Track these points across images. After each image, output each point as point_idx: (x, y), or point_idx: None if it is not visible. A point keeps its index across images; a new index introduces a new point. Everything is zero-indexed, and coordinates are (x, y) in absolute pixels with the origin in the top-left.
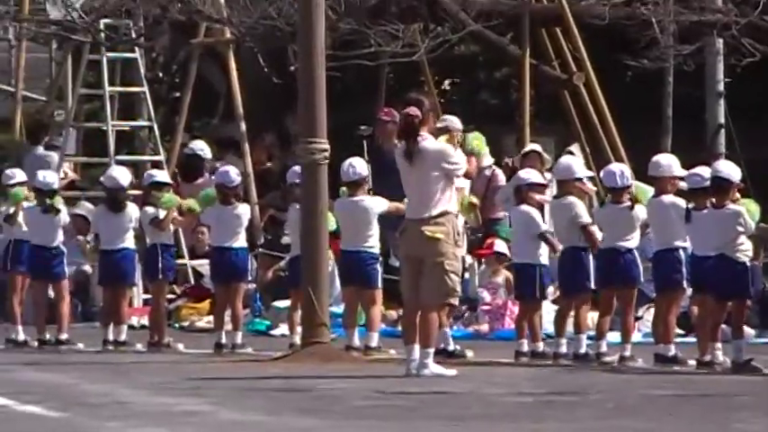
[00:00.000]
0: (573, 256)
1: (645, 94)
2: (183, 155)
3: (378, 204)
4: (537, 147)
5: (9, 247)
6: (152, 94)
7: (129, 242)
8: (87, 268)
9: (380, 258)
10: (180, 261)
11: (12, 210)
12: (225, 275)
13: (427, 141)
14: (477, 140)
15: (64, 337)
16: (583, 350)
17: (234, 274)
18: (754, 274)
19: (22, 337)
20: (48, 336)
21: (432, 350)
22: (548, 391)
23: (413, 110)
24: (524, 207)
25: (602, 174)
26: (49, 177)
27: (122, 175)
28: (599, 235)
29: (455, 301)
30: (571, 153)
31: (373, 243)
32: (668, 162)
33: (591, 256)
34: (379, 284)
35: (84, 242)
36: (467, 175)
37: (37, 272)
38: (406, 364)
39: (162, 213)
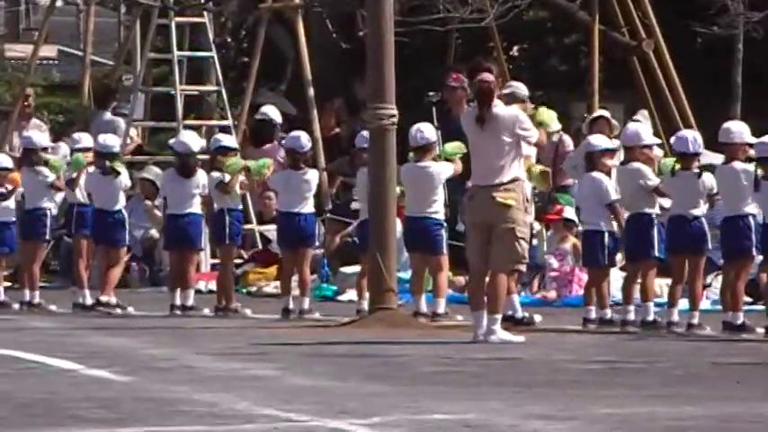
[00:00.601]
0: (638, 223)
1: (714, 61)
2: (254, 120)
3: (444, 170)
4: (605, 112)
5: (74, 212)
6: (220, 59)
7: (197, 207)
8: (154, 233)
9: (445, 224)
10: (247, 226)
11: (74, 175)
12: (292, 241)
13: (499, 107)
14: (546, 114)
15: (104, 299)
16: (650, 317)
17: (301, 239)
18: None
19: (89, 301)
20: (107, 297)
21: (499, 316)
22: (615, 358)
23: (488, 76)
24: (596, 174)
25: (673, 139)
26: (109, 140)
27: (193, 141)
28: (667, 203)
29: (523, 268)
30: (638, 120)
31: (438, 209)
32: (739, 129)
33: (658, 223)
34: (445, 250)
35: (151, 207)
36: (537, 145)
37: (99, 236)
38: (474, 330)
39: (227, 178)
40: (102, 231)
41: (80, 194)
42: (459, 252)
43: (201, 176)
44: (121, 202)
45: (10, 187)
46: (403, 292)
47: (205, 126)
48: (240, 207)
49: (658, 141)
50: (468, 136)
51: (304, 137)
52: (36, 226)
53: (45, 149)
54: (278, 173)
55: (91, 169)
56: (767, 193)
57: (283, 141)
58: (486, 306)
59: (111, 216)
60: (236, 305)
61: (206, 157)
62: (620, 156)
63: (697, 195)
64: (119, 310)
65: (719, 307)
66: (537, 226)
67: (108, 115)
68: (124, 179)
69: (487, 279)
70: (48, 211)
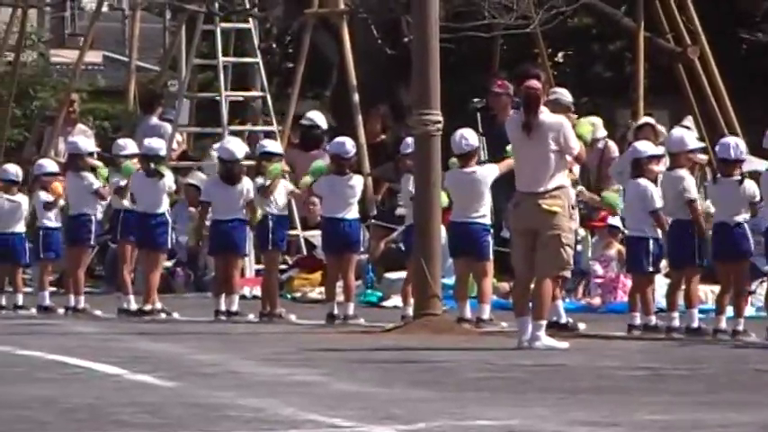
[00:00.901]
0: (682, 229)
1: (760, 66)
2: (302, 126)
3: (489, 173)
4: (651, 119)
5: (119, 218)
6: (265, 65)
7: (241, 213)
8: (189, 238)
9: (491, 230)
10: (292, 232)
11: (123, 182)
12: (337, 246)
13: (545, 114)
14: (584, 127)
15: (148, 308)
16: (695, 324)
17: (346, 244)
18: None
19: (134, 306)
20: (152, 306)
21: (544, 322)
22: (660, 364)
23: (535, 83)
24: (641, 180)
25: (717, 146)
26: (155, 143)
27: (237, 147)
28: (711, 210)
29: (568, 274)
30: (686, 127)
31: (484, 213)
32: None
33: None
34: (490, 256)
35: (196, 213)
36: (578, 159)
37: (142, 239)
38: (518, 336)
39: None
40: (144, 234)
41: (127, 202)
42: (504, 258)
43: (246, 183)
44: (165, 206)
45: (51, 198)
46: (447, 298)
47: (249, 132)
48: (285, 213)
49: (703, 146)
50: (513, 143)
51: (349, 143)
52: (81, 231)
53: (91, 155)
54: (322, 178)
55: (129, 165)
56: None
57: (327, 147)
58: (531, 312)
59: (154, 219)
60: (281, 311)
61: (251, 162)
62: (666, 162)
63: (739, 202)
64: (163, 315)
65: (764, 314)
66: (582, 232)
67: (154, 120)
68: (168, 182)
69: (532, 285)
70: (92, 217)
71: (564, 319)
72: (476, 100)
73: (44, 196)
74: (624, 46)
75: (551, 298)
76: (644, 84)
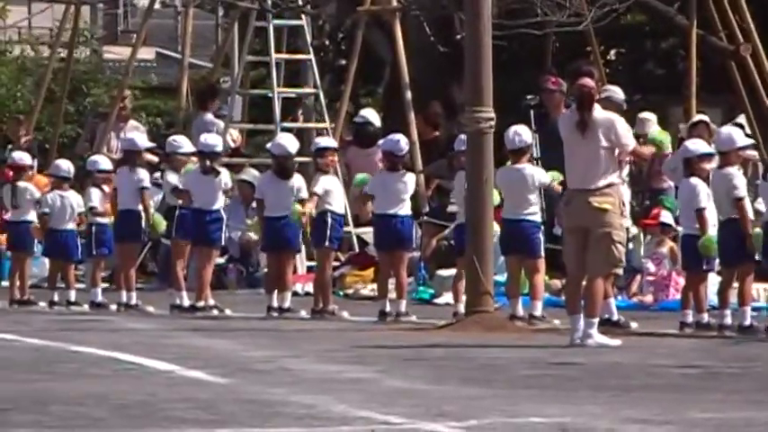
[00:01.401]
0: (733, 227)
1: None
2: (356, 123)
3: (541, 175)
4: (705, 117)
5: (174, 215)
6: (318, 62)
7: None
8: (252, 234)
9: (542, 227)
10: (345, 228)
11: (179, 181)
12: (389, 243)
13: (598, 112)
14: (663, 134)
15: (200, 304)
16: (747, 322)
17: (398, 242)
18: None
19: (186, 302)
20: (204, 302)
21: (596, 320)
22: (712, 362)
23: (588, 81)
24: (693, 179)
25: None
26: (211, 139)
27: (290, 143)
28: (762, 208)
29: (620, 271)
30: (739, 125)
31: (535, 210)
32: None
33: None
34: (542, 253)
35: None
36: (638, 156)
37: (196, 236)
38: (571, 333)
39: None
40: (199, 231)
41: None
42: (556, 255)
43: (297, 180)
44: (220, 203)
45: (97, 208)
46: (499, 295)
47: (302, 129)
48: (342, 211)
49: (752, 143)
50: (566, 140)
51: (403, 140)
52: (131, 227)
53: (147, 151)
54: (375, 175)
55: (191, 167)
56: None
57: (381, 143)
58: (584, 310)
59: (209, 215)
60: (333, 307)
61: (307, 159)
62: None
63: None
64: (216, 312)
65: None
66: (634, 230)
67: (208, 116)
68: (225, 178)
69: (584, 283)
70: (142, 213)
71: (616, 317)
72: (529, 97)
73: (97, 193)
74: (677, 43)
75: (604, 296)
76: (696, 82)
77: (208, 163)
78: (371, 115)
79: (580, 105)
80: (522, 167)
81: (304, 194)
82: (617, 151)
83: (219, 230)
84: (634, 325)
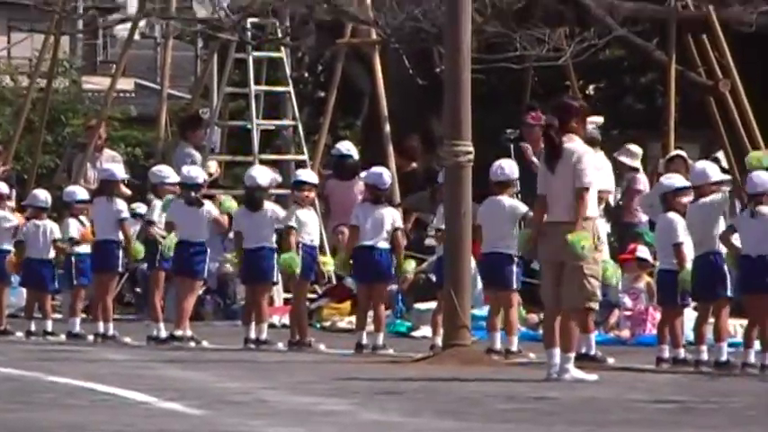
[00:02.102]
0: (708, 261)
1: None
2: (335, 156)
3: (519, 205)
4: (682, 152)
5: (156, 245)
6: (297, 94)
7: (268, 241)
8: (229, 266)
9: (521, 260)
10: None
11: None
12: (368, 275)
13: (571, 144)
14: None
15: (179, 333)
16: (723, 358)
17: (377, 274)
18: None
19: (163, 334)
20: (183, 332)
21: (572, 354)
22: (688, 398)
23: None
24: (670, 214)
25: (746, 181)
26: (194, 172)
27: (261, 175)
28: (736, 243)
29: (595, 306)
30: (715, 159)
31: (511, 244)
32: (707, 172)
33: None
34: (515, 286)
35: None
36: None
37: (179, 267)
38: (547, 368)
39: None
40: (182, 262)
41: (157, 233)
42: (533, 290)
43: (272, 209)
44: (205, 234)
45: (76, 238)
46: (476, 328)
47: (280, 161)
48: (317, 244)
49: (727, 178)
50: (539, 174)
51: (386, 173)
52: (108, 258)
53: (123, 182)
54: (357, 207)
55: (170, 197)
56: None
57: (363, 176)
58: (559, 344)
59: (193, 247)
60: (310, 339)
61: (285, 191)
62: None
63: (766, 235)
64: (193, 344)
65: None
66: (612, 265)
67: (189, 146)
68: (209, 207)
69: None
70: (120, 243)
71: (593, 351)
72: (509, 131)
73: (74, 224)
74: (656, 79)
75: (584, 330)
76: (675, 117)
77: (192, 194)
78: (350, 147)
79: (544, 139)
80: (500, 199)
81: (280, 223)
82: (600, 184)
83: (203, 262)
84: (611, 360)
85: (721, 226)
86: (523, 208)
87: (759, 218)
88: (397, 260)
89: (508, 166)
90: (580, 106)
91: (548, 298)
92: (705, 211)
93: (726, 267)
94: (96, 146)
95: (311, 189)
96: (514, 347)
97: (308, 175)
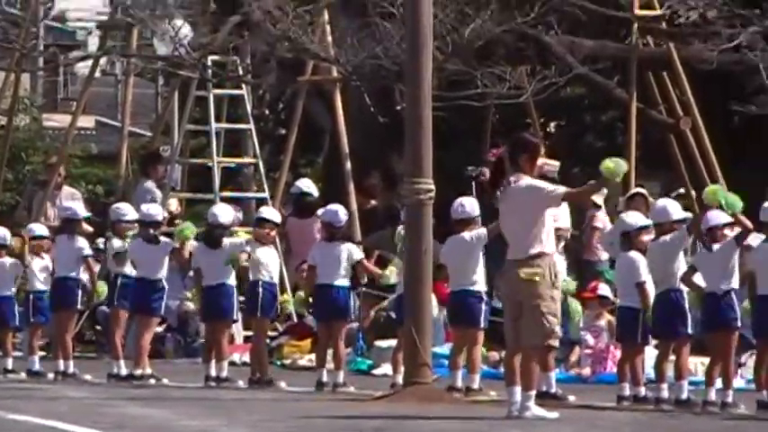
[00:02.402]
0: (669, 299)
1: (752, 139)
2: (294, 194)
3: (479, 235)
4: (642, 190)
5: (117, 283)
6: (258, 131)
7: (228, 278)
8: (189, 303)
9: (485, 298)
10: (283, 298)
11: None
12: (327, 313)
13: (522, 180)
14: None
15: (138, 372)
16: (684, 396)
17: (336, 312)
18: None
19: (124, 371)
20: (142, 371)
21: (533, 392)
22: None
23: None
24: (631, 253)
25: (703, 218)
26: (153, 209)
27: (223, 213)
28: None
29: (555, 343)
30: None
31: (476, 280)
32: (668, 209)
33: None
34: (482, 324)
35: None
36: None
37: (138, 305)
38: (508, 405)
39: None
40: (141, 299)
41: (129, 267)
42: (495, 327)
43: (229, 245)
44: (164, 272)
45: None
46: (437, 366)
47: (241, 198)
48: (276, 281)
49: (688, 215)
50: (500, 211)
51: (342, 211)
52: (68, 295)
53: (86, 219)
54: (315, 245)
55: (130, 233)
56: None
57: (320, 213)
58: (520, 382)
59: (152, 284)
60: (271, 377)
61: (248, 229)
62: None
63: (726, 271)
64: (153, 381)
65: (754, 386)
66: (574, 302)
67: (149, 183)
68: (168, 247)
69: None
70: (79, 281)
71: (554, 389)
72: (470, 168)
73: (36, 260)
74: (616, 116)
75: (545, 368)
76: (636, 154)
77: (150, 231)
78: (310, 185)
79: (494, 175)
80: (462, 236)
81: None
82: (545, 220)
83: (161, 300)
84: (572, 398)
85: (681, 263)
86: (484, 230)
87: (716, 253)
88: (374, 276)
89: (469, 204)
90: (535, 144)
91: (508, 335)
92: (666, 248)
93: (686, 305)
94: (56, 183)
95: (273, 227)
96: (476, 385)
97: (270, 213)
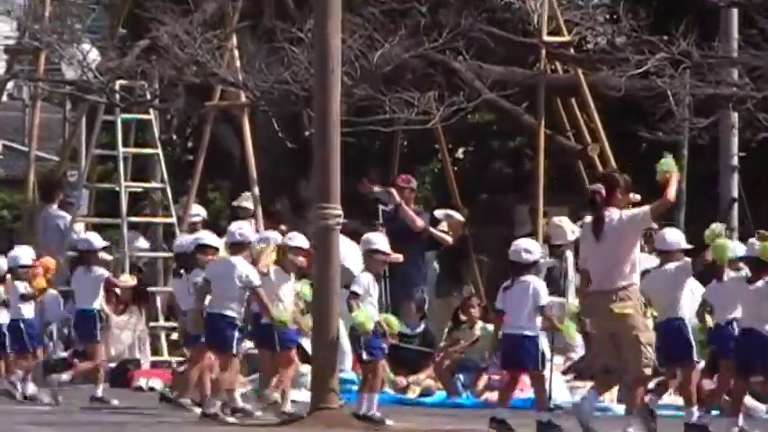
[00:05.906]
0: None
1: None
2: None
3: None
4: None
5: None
6: (166, 157)
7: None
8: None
9: (238, 324)
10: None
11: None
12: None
13: (615, 214)
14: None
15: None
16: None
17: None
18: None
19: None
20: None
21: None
22: None
23: (598, 186)
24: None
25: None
26: (93, 238)
27: (94, 239)
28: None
29: (648, 372)
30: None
31: (232, 307)
32: (675, 238)
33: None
34: (233, 350)
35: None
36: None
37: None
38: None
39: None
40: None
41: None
42: (404, 353)
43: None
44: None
45: None
46: (344, 392)
47: (148, 224)
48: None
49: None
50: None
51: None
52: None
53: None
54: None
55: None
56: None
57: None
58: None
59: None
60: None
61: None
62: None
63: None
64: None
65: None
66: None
67: (54, 208)
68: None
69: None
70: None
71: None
72: (377, 189)
73: None
74: (524, 142)
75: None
76: (544, 181)
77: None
78: (201, 211)
79: (591, 209)
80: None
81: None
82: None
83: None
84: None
85: (685, 292)
86: (253, 274)
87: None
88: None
89: (246, 228)
90: (626, 180)
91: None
92: (670, 277)
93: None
94: None
95: (215, 252)
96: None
97: (211, 238)
